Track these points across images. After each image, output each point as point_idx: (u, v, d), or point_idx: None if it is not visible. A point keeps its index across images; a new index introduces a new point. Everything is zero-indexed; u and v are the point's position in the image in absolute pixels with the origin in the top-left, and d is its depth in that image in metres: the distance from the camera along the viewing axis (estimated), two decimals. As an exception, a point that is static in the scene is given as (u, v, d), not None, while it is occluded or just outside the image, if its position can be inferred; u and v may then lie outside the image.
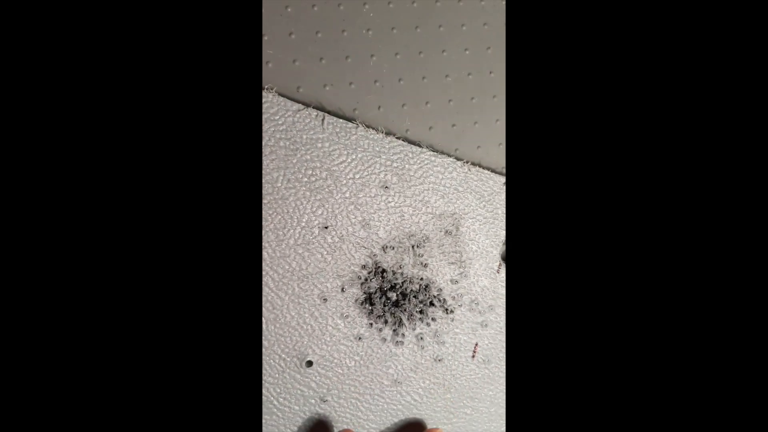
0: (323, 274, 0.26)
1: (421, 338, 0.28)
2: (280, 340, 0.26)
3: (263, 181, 0.25)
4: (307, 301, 0.26)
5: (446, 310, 0.29)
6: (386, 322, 0.28)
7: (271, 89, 0.25)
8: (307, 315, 0.26)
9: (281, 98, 0.25)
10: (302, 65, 0.28)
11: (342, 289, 0.27)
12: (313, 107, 0.26)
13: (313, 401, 0.27)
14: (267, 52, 0.28)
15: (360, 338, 0.27)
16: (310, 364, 0.26)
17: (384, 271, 0.27)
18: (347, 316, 0.27)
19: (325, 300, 0.26)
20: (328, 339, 0.27)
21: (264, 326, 0.25)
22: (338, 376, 0.27)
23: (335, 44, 0.29)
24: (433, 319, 0.28)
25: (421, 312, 0.28)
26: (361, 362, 0.27)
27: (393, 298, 0.27)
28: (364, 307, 0.27)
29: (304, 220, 0.26)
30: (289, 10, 0.28)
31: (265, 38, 0.28)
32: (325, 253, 0.26)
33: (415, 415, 0.28)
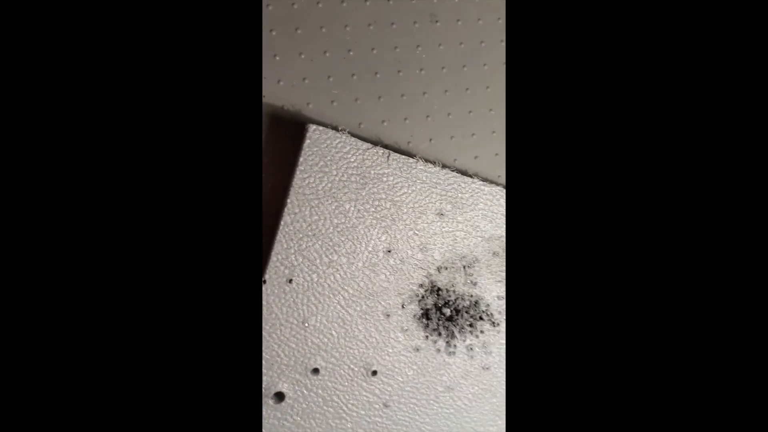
0: (386, 293, 0.30)
1: (471, 349, 0.32)
2: (349, 352, 0.29)
3: (337, 211, 0.28)
4: (373, 317, 0.30)
5: (493, 323, 0.32)
6: (440, 334, 0.31)
7: (344, 131, 0.29)
8: (372, 329, 0.30)
9: (353, 138, 0.28)
10: (363, 103, 0.32)
11: (402, 306, 0.30)
12: (381, 146, 0.30)
13: (377, 406, 0.30)
14: (332, 92, 0.31)
15: (418, 349, 0.31)
16: (374, 373, 0.30)
17: (439, 289, 0.31)
18: (407, 330, 0.30)
19: (388, 316, 0.30)
20: (390, 350, 0.30)
21: (336, 340, 0.29)
22: (399, 384, 0.30)
23: (392, 83, 0.32)
24: (482, 332, 0.32)
25: (471, 325, 0.32)
26: (419, 371, 0.31)
27: (447, 313, 0.31)
28: (421, 322, 0.31)
29: (371, 245, 0.29)
30: (351, 53, 0.31)
31: (330, 79, 0.31)
32: (388, 273, 0.30)
33: (465, 418, 0.32)
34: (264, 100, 0.30)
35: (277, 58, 0.30)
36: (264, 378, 0.28)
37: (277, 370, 0.28)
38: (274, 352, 0.28)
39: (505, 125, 0.34)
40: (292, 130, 0.30)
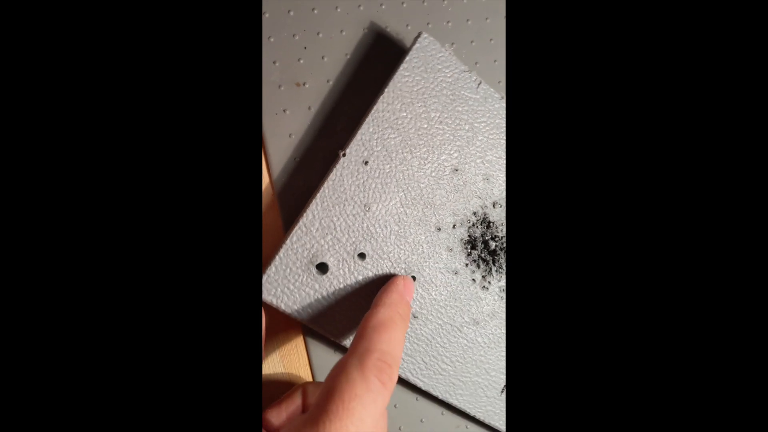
0: (443, 208, 0.32)
1: (504, 290, 0.34)
2: (396, 250, 0.31)
3: (423, 115, 0.32)
4: (425, 226, 0.32)
5: (529, 272, 0.34)
6: (479, 266, 0.33)
7: (449, 48, 0.33)
8: (422, 237, 0.32)
9: (454, 57, 0.32)
10: (457, 47, 0.36)
11: (453, 226, 0.33)
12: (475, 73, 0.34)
13: (406, 314, 0.31)
14: (427, 24, 0.36)
15: (456, 273, 0.33)
16: (413, 279, 0.32)
17: (490, 222, 0.33)
18: (452, 250, 0.32)
19: (439, 230, 0.32)
20: (432, 264, 0.32)
21: (387, 235, 0.31)
22: (431, 299, 0.32)
23: (483, 29, 0.37)
24: (516, 278, 0.34)
25: (508, 268, 0.34)
26: (451, 294, 0.33)
27: (491, 246, 0.33)
28: (466, 248, 0.33)
29: (442, 158, 0.32)
30: (444, 3, 0.36)
31: (428, 26, 0.36)
32: (450, 191, 0.32)
33: (481, 356, 0.33)
34: (372, 20, 0.34)
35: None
36: (314, 246, 0.30)
37: (329, 240, 0.30)
38: (332, 223, 0.30)
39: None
40: (390, 50, 0.34)
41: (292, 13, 0.33)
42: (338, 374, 0.23)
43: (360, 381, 0.22)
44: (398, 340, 0.25)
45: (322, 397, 0.22)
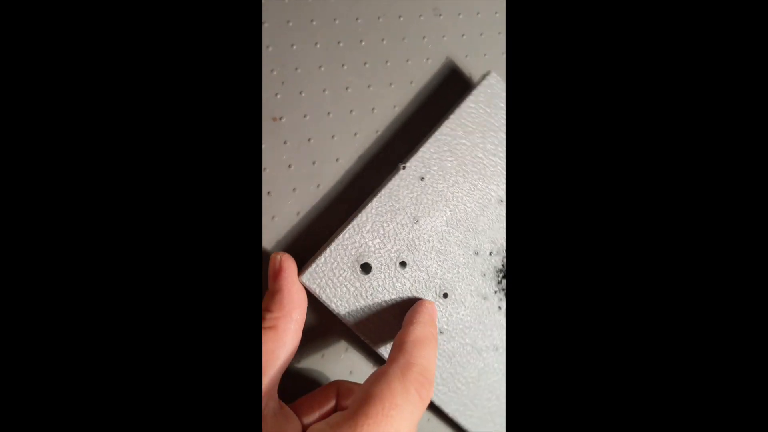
0: (483, 234, 0.34)
1: (525, 323, 0.35)
2: (434, 266, 0.33)
3: (480, 145, 0.34)
4: (465, 248, 0.34)
5: (551, 310, 0.36)
6: (507, 295, 0.35)
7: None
8: (460, 258, 0.34)
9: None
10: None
11: (490, 253, 0.35)
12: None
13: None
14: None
15: (485, 298, 0.34)
16: (445, 296, 0.33)
17: (523, 256, 0.35)
18: (485, 275, 0.34)
19: (477, 254, 0.34)
20: (465, 286, 0.34)
21: (428, 250, 0.33)
22: (458, 319, 0.34)
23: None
24: (539, 313, 0.36)
25: (533, 302, 0.36)
26: (477, 318, 0.34)
27: (521, 279, 0.35)
28: (497, 276, 0.35)
29: (490, 187, 0.34)
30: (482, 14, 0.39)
31: (503, 55, 0.39)
32: (492, 219, 0.35)
33: (495, 382, 0.35)
34: (448, 56, 0.37)
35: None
36: (362, 245, 0.31)
37: (376, 243, 0.32)
38: (382, 228, 0.32)
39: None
40: (458, 84, 0.37)
41: (270, 44, 0.36)
42: (379, 381, 0.24)
43: (401, 391, 0.24)
44: (434, 358, 0.27)
45: (361, 399, 0.23)
